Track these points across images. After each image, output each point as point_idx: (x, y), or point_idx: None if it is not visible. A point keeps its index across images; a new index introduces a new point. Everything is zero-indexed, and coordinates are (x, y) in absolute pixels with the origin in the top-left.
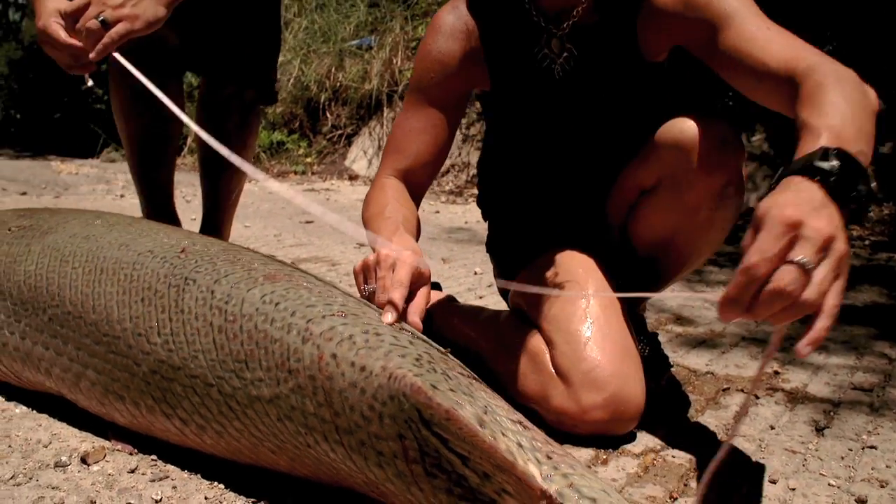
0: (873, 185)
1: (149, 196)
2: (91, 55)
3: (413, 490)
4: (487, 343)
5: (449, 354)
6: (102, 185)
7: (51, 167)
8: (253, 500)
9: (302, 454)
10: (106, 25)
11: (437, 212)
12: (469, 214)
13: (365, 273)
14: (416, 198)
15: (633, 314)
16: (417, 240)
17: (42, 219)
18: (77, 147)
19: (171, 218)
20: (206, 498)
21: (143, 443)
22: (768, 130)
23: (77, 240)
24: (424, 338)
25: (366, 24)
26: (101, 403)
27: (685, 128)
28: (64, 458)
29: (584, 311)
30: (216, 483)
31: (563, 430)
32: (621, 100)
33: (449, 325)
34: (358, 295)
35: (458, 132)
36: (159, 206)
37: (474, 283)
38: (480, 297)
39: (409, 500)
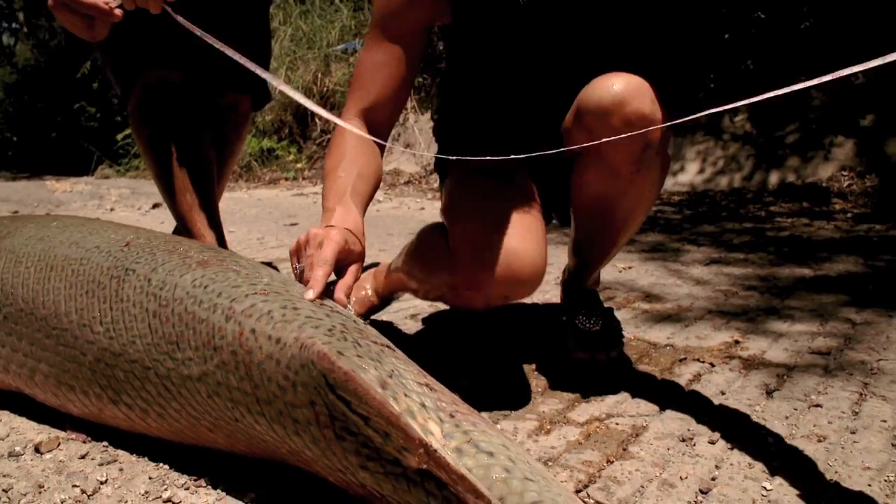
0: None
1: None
2: (151, 8)
3: (328, 454)
4: (407, 265)
5: (367, 326)
6: (95, 201)
7: (46, 186)
8: (194, 477)
9: (234, 430)
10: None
11: (423, 208)
12: None
13: (298, 253)
14: (382, 137)
15: (582, 288)
16: (376, 190)
17: (2, 225)
18: (72, 166)
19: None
20: (150, 478)
21: (98, 431)
22: (751, 110)
23: (32, 241)
24: (344, 311)
25: (350, 28)
26: (55, 395)
27: (604, 95)
28: (18, 449)
29: (481, 195)
30: (161, 464)
31: (471, 307)
32: (586, 27)
33: (385, 282)
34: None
35: None
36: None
37: None
38: None
39: (326, 465)
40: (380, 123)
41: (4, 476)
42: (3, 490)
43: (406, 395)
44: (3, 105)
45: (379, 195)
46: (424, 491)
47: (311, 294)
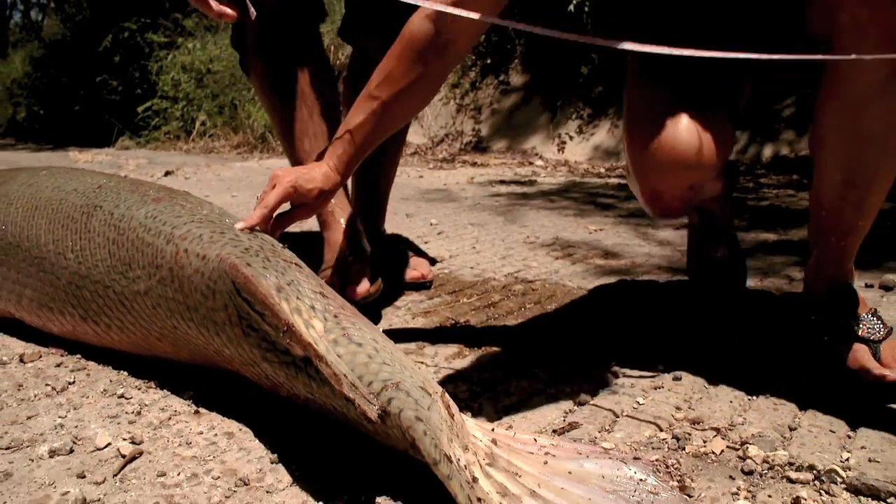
0: None
1: None
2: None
3: (240, 351)
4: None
5: (283, 249)
6: (113, 170)
7: (69, 157)
8: (146, 380)
9: (175, 337)
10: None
11: (421, 176)
12: (450, 178)
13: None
14: (458, 46)
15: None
16: (403, 120)
17: (0, 175)
18: (94, 138)
19: None
20: (110, 381)
21: (74, 347)
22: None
23: (23, 187)
24: (266, 237)
25: None
26: (39, 317)
27: None
28: (5, 359)
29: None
30: (122, 371)
31: (650, 209)
32: None
33: None
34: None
35: (452, 102)
36: None
37: (426, 231)
38: (426, 243)
39: (241, 361)
40: (460, 26)
41: None
42: None
43: (298, 298)
44: (31, 79)
45: None
46: (307, 375)
47: (239, 225)
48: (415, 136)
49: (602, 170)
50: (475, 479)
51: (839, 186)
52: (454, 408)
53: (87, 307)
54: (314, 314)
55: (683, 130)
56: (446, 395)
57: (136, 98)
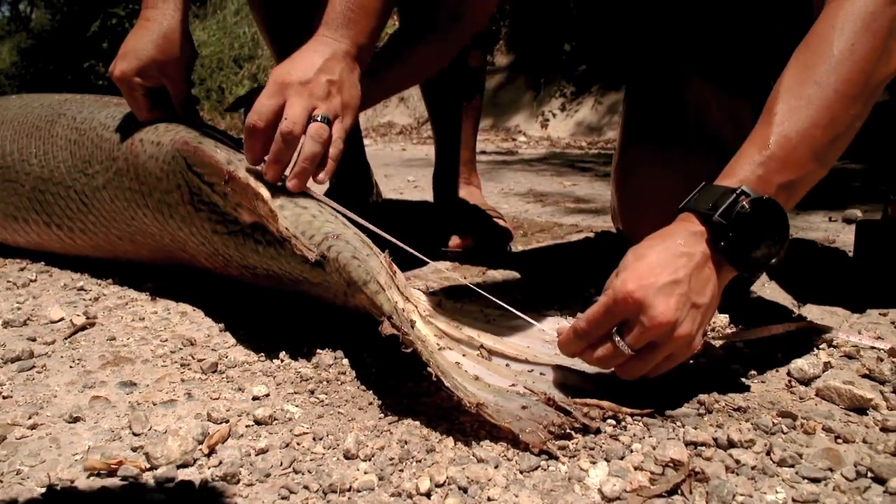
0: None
1: None
2: (320, 176)
3: (193, 230)
4: None
5: (234, 145)
6: None
7: None
8: (106, 278)
9: (135, 231)
10: (328, 123)
11: (404, 149)
12: (433, 151)
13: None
14: None
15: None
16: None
17: None
18: None
19: None
20: (71, 278)
21: (39, 257)
22: None
23: None
24: (223, 132)
25: None
26: (4, 228)
27: None
28: None
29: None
30: (84, 273)
31: None
32: None
33: None
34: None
35: None
36: None
37: (403, 185)
38: (401, 194)
39: (195, 242)
40: None
41: None
42: None
43: (246, 172)
44: (18, 69)
45: (368, 141)
46: (254, 241)
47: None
48: (401, 118)
49: (584, 143)
50: (412, 322)
51: None
52: (397, 269)
53: (50, 211)
54: (261, 184)
55: None
56: (390, 258)
57: None
